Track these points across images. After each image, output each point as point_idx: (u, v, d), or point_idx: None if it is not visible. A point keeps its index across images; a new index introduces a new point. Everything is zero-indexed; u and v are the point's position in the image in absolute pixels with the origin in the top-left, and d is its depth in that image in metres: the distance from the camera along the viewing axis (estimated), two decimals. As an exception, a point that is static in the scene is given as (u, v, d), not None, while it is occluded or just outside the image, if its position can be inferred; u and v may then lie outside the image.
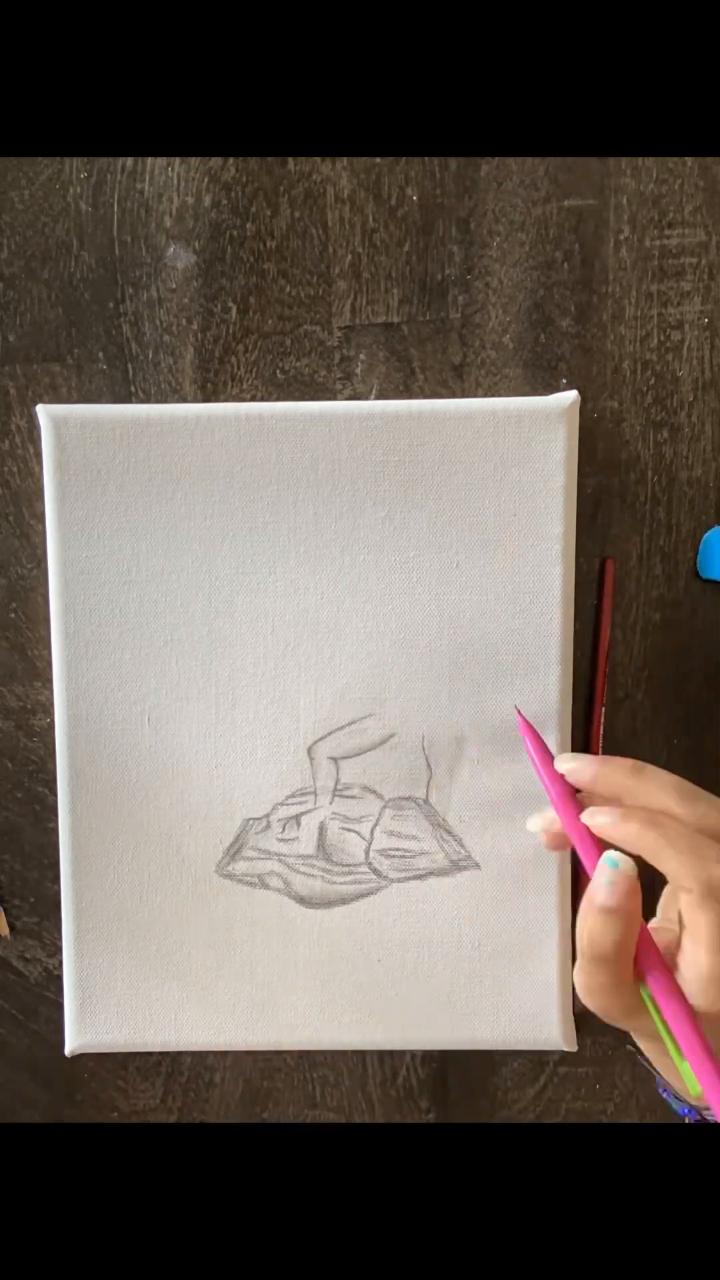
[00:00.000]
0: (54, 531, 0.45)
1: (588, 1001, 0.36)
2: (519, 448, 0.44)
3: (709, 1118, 0.41)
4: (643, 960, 0.35)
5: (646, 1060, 0.41)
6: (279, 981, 0.46)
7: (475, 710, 0.45)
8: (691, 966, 0.34)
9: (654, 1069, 0.42)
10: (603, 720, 0.47)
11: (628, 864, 0.36)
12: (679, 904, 0.35)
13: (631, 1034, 0.39)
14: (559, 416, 0.43)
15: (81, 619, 0.45)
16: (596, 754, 0.45)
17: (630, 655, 0.47)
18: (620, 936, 0.35)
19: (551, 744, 0.45)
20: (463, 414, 0.44)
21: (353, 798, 0.46)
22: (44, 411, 0.44)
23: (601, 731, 0.47)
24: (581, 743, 0.47)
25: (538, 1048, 0.47)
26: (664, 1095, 0.44)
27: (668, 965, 0.36)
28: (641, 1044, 0.40)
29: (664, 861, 0.35)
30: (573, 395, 0.44)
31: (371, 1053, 0.49)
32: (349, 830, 0.46)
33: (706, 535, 0.46)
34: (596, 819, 0.37)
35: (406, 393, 0.46)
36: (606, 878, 0.35)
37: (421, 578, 0.45)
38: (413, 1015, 0.46)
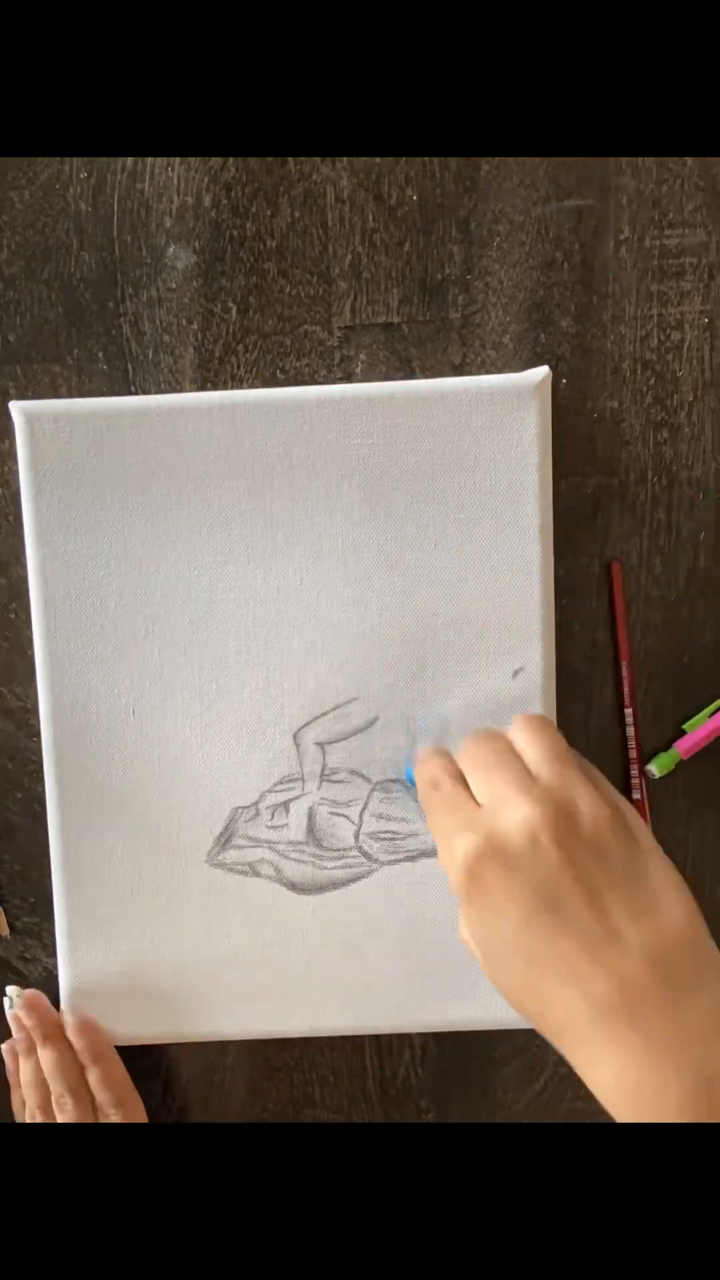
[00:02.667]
0: (31, 527, 0.45)
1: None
2: (492, 425, 0.44)
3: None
4: None
5: None
6: (274, 969, 0.46)
7: (458, 689, 0.45)
8: None
9: None
10: (639, 743, 0.47)
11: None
12: None
13: None
14: (530, 393, 0.43)
15: (62, 613, 0.45)
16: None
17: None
18: None
19: None
20: (435, 394, 0.44)
21: (340, 782, 0.46)
22: (16, 408, 0.44)
23: (639, 751, 0.47)
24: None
25: (531, 1025, 0.46)
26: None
27: None
28: None
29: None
30: (544, 371, 0.44)
31: (371, 1051, 0.49)
32: (338, 815, 0.46)
33: None
34: None
35: (406, 393, 0.46)
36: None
37: (400, 559, 0.45)
38: (408, 997, 0.46)
